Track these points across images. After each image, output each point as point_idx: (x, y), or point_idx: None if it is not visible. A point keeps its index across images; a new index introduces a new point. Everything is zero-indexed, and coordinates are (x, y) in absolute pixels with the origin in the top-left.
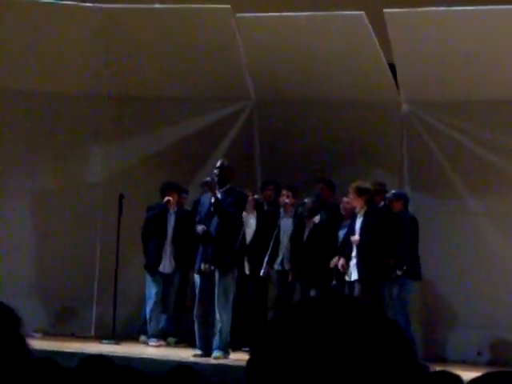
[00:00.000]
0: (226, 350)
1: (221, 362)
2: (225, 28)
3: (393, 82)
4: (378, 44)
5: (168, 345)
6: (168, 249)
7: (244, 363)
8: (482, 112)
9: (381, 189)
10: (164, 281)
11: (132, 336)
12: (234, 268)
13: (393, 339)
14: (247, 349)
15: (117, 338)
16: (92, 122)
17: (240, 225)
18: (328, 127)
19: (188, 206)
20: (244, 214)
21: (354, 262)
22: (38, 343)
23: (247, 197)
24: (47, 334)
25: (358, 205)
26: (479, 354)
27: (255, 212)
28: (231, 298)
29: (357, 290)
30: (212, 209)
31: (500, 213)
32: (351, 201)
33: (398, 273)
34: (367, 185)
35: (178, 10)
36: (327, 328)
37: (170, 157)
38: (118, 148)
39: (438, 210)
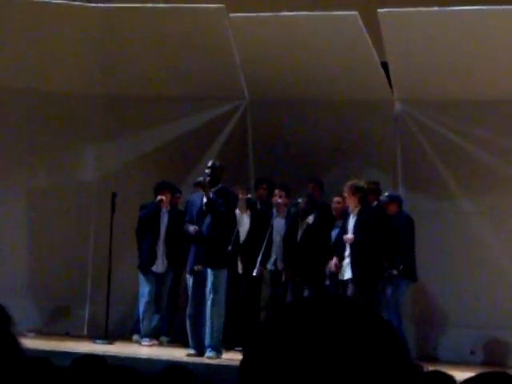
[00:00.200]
0: (218, 349)
1: (214, 361)
2: (219, 27)
3: (386, 81)
4: (371, 43)
5: (161, 344)
6: (161, 248)
7: (237, 363)
8: (475, 111)
9: (375, 188)
10: (157, 280)
11: (125, 335)
12: (226, 268)
13: (386, 339)
14: (240, 348)
15: (110, 337)
16: (85, 121)
17: (233, 224)
18: (321, 126)
19: (181, 206)
20: (237, 213)
21: (347, 261)
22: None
23: (237, 196)
24: (40, 334)
25: (352, 203)
26: (472, 353)
27: (249, 211)
28: (223, 297)
29: (350, 289)
30: (204, 208)
31: (493, 212)
32: (345, 199)
33: (394, 272)
34: (362, 183)
35: (171, 9)
36: (320, 328)
37: (163, 156)
38: (111, 147)
39: (431, 209)
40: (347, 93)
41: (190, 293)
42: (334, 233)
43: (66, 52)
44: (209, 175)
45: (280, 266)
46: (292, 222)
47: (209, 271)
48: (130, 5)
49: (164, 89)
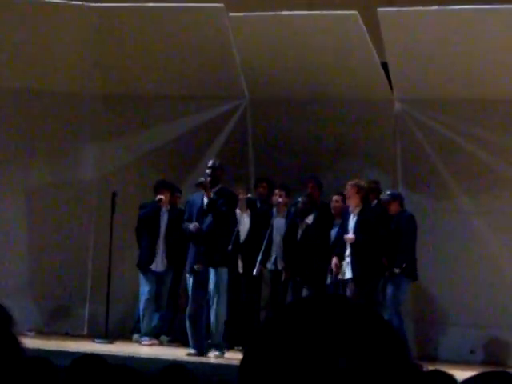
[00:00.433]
0: (222, 348)
1: (214, 360)
2: (218, 27)
3: (386, 80)
4: (371, 43)
5: (161, 344)
6: (160, 247)
7: (237, 362)
8: (475, 111)
9: (375, 187)
10: (156, 279)
11: (125, 335)
12: (226, 267)
13: (386, 339)
14: (240, 348)
15: (110, 336)
16: (85, 121)
17: (234, 224)
18: (321, 126)
19: (181, 205)
20: (238, 212)
21: (347, 260)
22: (31, 342)
23: (237, 196)
24: (40, 333)
25: (354, 203)
26: (472, 352)
27: (249, 211)
28: (225, 296)
29: (350, 288)
30: (205, 208)
31: (493, 212)
32: (347, 198)
33: (396, 271)
34: (364, 183)
35: (171, 8)
36: (320, 328)
37: (163, 155)
38: (111, 146)
39: (430, 208)
40: (347, 92)
41: (189, 292)
42: (334, 231)
43: (66, 51)
44: (209, 175)
45: (280, 265)
46: (292, 222)
47: (210, 271)
48: (130, 4)
49: (164, 88)
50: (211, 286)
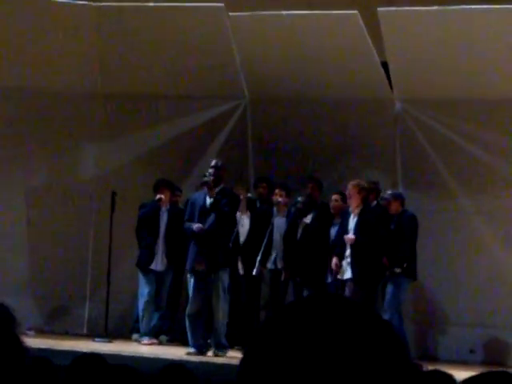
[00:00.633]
0: (223, 347)
1: (214, 360)
2: (218, 26)
3: (386, 80)
4: (371, 43)
5: (160, 343)
6: (160, 247)
7: (237, 362)
8: (475, 110)
9: (374, 187)
10: (156, 279)
11: (124, 334)
12: (228, 267)
13: (385, 339)
14: (239, 347)
15: (109, 336)
16: (85, 120)
17: (234, 224)
18: (321, 125)
19: (181, 205)
20: (237, 213)
21: (347, 260)
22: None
23: (239, 198)
24: (40, 332)
25: (355, 203)
26: (471, 352)
27: (248, 212)
28: (227, 296)
29: (350, 288)
30: (209, 207)
31: (493, 211)
32: (348, 198)
33: (397, 270)
34: (365, 183)
35: (171, 8)
36: (320, 328)
37: (163, 155)
38: (110, 146)
39: (431, 208)
40: (347, 92)
41: (190, 292)
42: (334, 230)
43: (66, 51)
44: (212, 175)
45: (280, 264)
46: (292, 221)
47: (212, 271)
48: (131, 4)
49: (164, 88)
50: (212, 285)
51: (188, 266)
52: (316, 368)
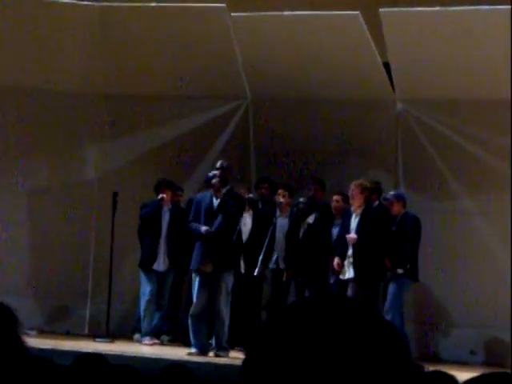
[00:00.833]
0: (224, 349)
1: (215, 360)
2: (220, 27)
3: (387, 80)
4: (372, 43)
5: (162, 343)
6: (162, 247)
7: (238, 362)
8: (477, 111)
9: (376, 187)
10: (158, 279)
11: (126, 334)
12: (234, 268)
13: (387, 339)
14: (241, 348)
15: (111, 336)
16: (86, 120)
17: (237, 224)
18: (323, 126)
19: (183, 204)
20: None
21: (349, 260)
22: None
23: (251, 199)
24: (41, 332)
25: (358, 202)
26: (472, 353)
27: (251, 211)
28: (229, 298)
29: (352, 288)
30: (216, 209)
31: (494, 212)
32: (351, 198)
33: (399, 271)
34: (368, 183)
35: (173, 8)
36: (322, 328)
37: (164, 155)
38: (112, 146)
39: (431, 208)
40: (349, 92)
41: (194, 292)
42: (335, 231)
43: (67, 51)
44: (218, 176)
45: (282, 265)
46: (294, 222)
47: (219, 271)
48: (132, 4)
49: (165, 88)
50: (221, 287)
51: (193, 266)
52: (318, 369)
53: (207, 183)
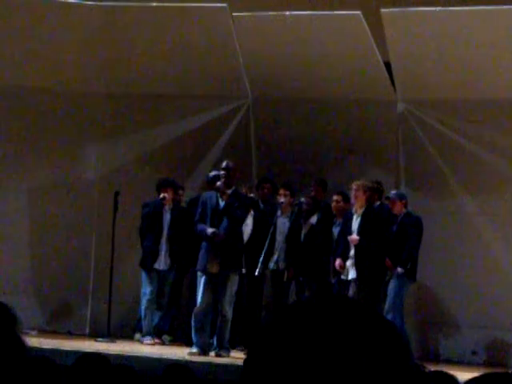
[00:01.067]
0: (227, 347)
1: (216, 360)
2: (222, 27)
3: (389, 81)
4: (374, 43)
5: (163, 343)
6: (164, 246)
7: (238, 362)
8: (478, 111)
9: (377, 187)
10: (159, 278)
11: (127, 334)
12: (240, 269)
13: (388, 339)
14: (241, 348)
15: (112, 336)
16: (88, 120)
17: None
18: (324, 126)
19: (184, 204)
20: None
21: (351, 261)
22: (33, 341)
23: (251, 200)
24: (42, 332)
25: (360, 202)
26: (474, 353)
27: (252, 211)
28: (233, 300)
29: (354, 288)
30: (221, 211)
31: (496, 212)
32: (354, 198)
33: (400, 270)
34: (370, 183)
35: (175, 8)
36: (323, 328)
37: (166, 155)
38: (113, 145)
39: (433, 208)
40: (350, 92)
41: (199, 291)
42: (335, 230)
43: (69, 50)
44: (224, 177)
45: (282, 265)
46: (295, 222)
47: (226, 272)
48: (134, 4)
49: (166, 87)
50: (227, 288)
51: (199, 267)
52: (319, 368)
53: (208, 183)
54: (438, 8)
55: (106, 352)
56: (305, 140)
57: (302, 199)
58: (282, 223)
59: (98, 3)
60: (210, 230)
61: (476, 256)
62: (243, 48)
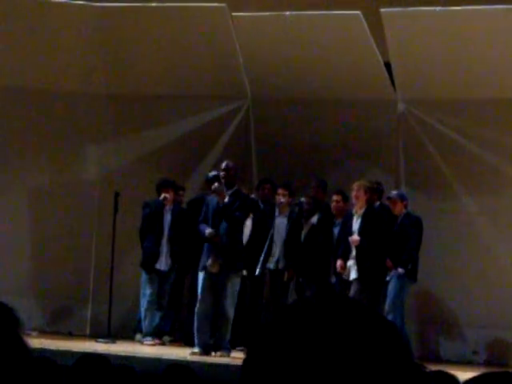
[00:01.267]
0: (228, 348)
1: (217, 360)
2: (221, 27)
3: (389, 80)
4: (374, 43)
5: (163, 343)
6: (164, 246)
7: (239, 362)
8: (478, 110)
9: (377, 187)
10: (159, 278)
11: (128, 335)
12: (241, 270)
13: (389, 339)
14: (242, 348)
15: (112, 336)
16: (88, 120)
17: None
18: (324, 126)
19: (185, 204)
20: None
21: (352, 261)
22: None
23: (253, 200)
24: (43, 333)
25: (360, 203)
26: (474, 353)
27: (251, 215)
28: (235, 300)
29: (355, 289)
30: (219, 212)
31: (496, 212)
32: (355, 198)
33: (400, 271)
34: (370, 184)
35: (173, 8)
36: (323, 328)
37: (166, 155)
38: (113, 146)
39: (433, 208)
40: (350, 92)
41: (200, 291)
42: (335, 230)
43: (69, 51)
44: (224, 177)
45: (281, 265)
46: (295, 222)
47: (227, 272)
48: (133, 4)
49: (166, 88)
50: (228, 289)
51: (201, 266)
52: (319, 368)
53: (208, 183)
54: (438, 8)
55: (107, 352)
56: (304, 140)
57: (302, 199)
58: (281, 223)
59: (97, 4)
60: (207, 231)
61: (476, 255)
62: (243, 48)
